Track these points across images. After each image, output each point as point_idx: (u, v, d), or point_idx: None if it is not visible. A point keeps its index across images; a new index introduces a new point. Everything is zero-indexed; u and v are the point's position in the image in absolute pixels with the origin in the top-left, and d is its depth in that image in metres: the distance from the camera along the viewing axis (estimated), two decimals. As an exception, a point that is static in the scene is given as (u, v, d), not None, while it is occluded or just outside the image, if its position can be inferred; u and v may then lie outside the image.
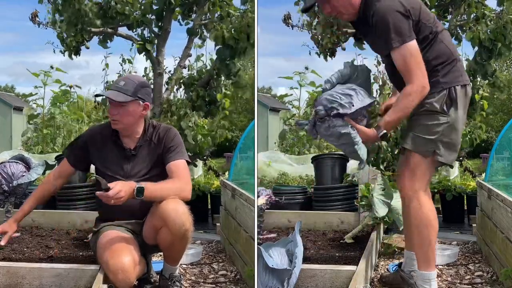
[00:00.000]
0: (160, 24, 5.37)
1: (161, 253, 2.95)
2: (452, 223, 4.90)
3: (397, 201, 3.60)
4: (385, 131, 2.59)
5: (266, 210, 3.52)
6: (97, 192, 2.51)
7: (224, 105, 5.36)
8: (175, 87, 5.47)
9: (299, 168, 6.97)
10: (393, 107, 2.63)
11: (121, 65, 6.45)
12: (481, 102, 5.50)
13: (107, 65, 7.12)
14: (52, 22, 5.35)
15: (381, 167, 5.01)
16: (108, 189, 2.47)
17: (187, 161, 2.87)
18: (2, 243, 2.76)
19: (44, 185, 2.96)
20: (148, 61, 5.53)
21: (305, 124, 2.64)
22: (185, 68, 5.58)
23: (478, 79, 5.43)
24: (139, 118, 2.85)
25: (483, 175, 5.05)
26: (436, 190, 5.21)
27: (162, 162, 2.83)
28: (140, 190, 2.52)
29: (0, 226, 2.84)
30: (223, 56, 5.05)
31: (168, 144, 2.84)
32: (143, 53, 5.38)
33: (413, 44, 2.56)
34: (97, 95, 4.81)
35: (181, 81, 5.44)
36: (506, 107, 15.61)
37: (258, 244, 2.76)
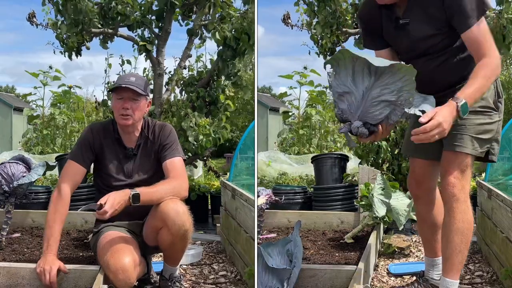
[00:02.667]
0: (160, 24, 5.38)
1: (161, 254, 2.95)
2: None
3: (396, 201, 3.60)
4: (464, 100, 2.20)
5: (266, 210, 3.53)
6: (96, 215, 2.52)
7: (227, 106, 5.36)
8: (176, 88, 5.47)
9: (299, 168, 6.98)
10: (470, 79, 2.26)
11: (121, 65, 6.46)
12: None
13: (110, 65, 7.13)
14: (53, 23, 5.35)
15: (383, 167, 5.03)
16: (100, 207, 2.47)
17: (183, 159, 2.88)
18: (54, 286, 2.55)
19: (64, 204, 2.72)
20: (148, 61, 5.53)
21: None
22: (185, 68, 5.59)
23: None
24: (143, 115, 2.87)
25: (483, 175, 5.05)
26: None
27: (159, 160, 2.85)
28: (136, 197, 2.53)
29: (45, 265, 2.54)
30: (224, 56, 5.06)
31: (164, 141, 2.85)
32: (144, 53, 5.38)
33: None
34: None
35: (181, 81, 5.44)
36: (506, 107, 15.61)
37: (258, 244, 2.76)
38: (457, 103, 2.20)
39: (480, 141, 2.45)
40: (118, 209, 2.49)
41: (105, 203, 2.46)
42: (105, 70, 7.34)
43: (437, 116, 2.15)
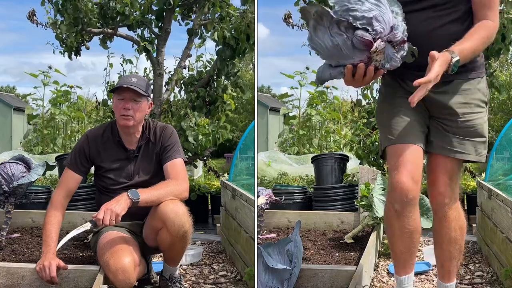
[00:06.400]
0: (160, 24, 5.38)
1: (161, 254, 2.95)
2: (452, 223, 4.88)
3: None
4: (458, 58, 1.99)
5: (266, 210, 3.53)
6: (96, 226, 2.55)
7: (228, 106, 5.36)
8: (175, 88, 5.47)
9: (299, 168, 6.97)
10: (468, 35, 2.07)
11: (122, 65, 6.47)
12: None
13: (111, 65, 7.14)
14: (52, 23, 5.34)
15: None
16: (95, 224, 2.50)
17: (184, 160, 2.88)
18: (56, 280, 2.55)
19: (58, 211, 2.76)
20: (149, 61, 5.53)
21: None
22: (185, 68, 5.59)
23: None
24: (145, 116, 2.87)
25: (483, 175, 5.06)
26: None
27: (160, 161, 2.85)
28: (136, 202, 2.53)
29: (44, 261, 2.56)
30: (223, 56, 5.06)
31: (165, 142, 2.85)
32: (144, 53, 5.38)
33: None
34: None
35: (181, 81, 5.44)
36: (506, 107, 15.60)
37: (258, 244, 2.76)
38: (452, 57, 1.99)
39: (478, 144, 2.24)
40: (119, 218, 2.48)
41: (103, 217, 2.46)
42: (105, 69, 7.35)
43: (435, 68, 1.96)
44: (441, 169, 2.26)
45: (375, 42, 1.92)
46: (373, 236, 3.40)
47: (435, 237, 2.41)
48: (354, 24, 1.91)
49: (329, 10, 1.91)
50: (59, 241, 2.68)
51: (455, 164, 2.26)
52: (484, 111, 2.26)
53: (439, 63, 1.95)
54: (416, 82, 1.94)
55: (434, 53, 1.96)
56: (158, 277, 2.97)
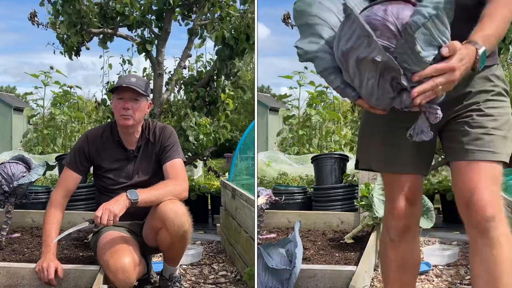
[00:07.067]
0: (160, 24, 5.38)
1: (161, 254, 2.95)
2: (452, 223, 4.90)
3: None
4: (484, 48, 1.55)
5: (266, 210, 3.53)
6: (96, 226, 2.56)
7: (227, 106, 5.37)
8: (175, 88, 5.47)
9: (299, 168, 6.97)
10: (486, 17, 1.61)
11: (121, 65, 6.47)
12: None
13: (110, 65, 7.14)
14: (52, 23, 5.34)
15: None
16: (94, 223, 2.50)
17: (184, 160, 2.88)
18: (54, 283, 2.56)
19: (58, 210, 2.77)
20: (148, 61, 5.53)
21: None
22: (185, 68, 5.59)
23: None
24: (144, 116, 2.87)
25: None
26: (436, 190, 5.22)
27: (159, 161, 2.85)
28: (135, 202, 2.53)
29: (42, 263, 2.57)
30: (223, 56, 5.06)
31: (165, 143, 2.85)
32: (143, 53, 5.38)
33: None
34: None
35: (181, 81, 5.44)
36: (506, 107, 15.60)
37: (258, 244, 2.76)
38: (476, 49, 1.53)
39: (507, 141, 1.75)
40: (117, 218, 2.48)
41: (101, 217, 2.46)
42: (102, 68, 7.35)
43: (457, 55, 1.50)
44: (483, 177, 1.69)
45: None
46: (373, 236, 3.40)
47: (482, 265, 1.70)
48: (405, 86, 1.54)
49: (390, 55, 1.51)
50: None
51: (499, 169, 1.73)
52: (508, 101, 1.80)
53: (458, 56, 1.50)
54: (417, 76, 1.50)
55: (448, 48, 1.50)
56: (158, 277, 2.97)
